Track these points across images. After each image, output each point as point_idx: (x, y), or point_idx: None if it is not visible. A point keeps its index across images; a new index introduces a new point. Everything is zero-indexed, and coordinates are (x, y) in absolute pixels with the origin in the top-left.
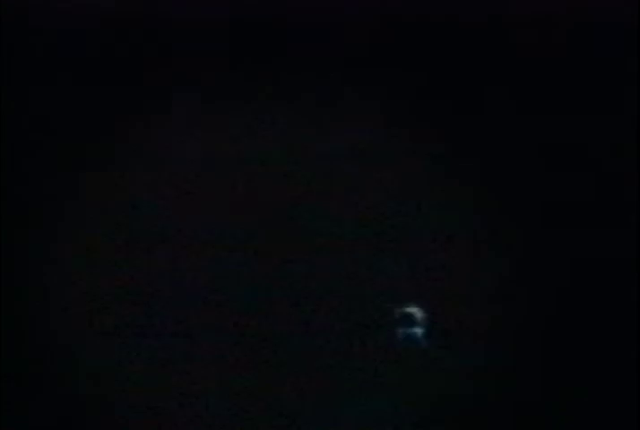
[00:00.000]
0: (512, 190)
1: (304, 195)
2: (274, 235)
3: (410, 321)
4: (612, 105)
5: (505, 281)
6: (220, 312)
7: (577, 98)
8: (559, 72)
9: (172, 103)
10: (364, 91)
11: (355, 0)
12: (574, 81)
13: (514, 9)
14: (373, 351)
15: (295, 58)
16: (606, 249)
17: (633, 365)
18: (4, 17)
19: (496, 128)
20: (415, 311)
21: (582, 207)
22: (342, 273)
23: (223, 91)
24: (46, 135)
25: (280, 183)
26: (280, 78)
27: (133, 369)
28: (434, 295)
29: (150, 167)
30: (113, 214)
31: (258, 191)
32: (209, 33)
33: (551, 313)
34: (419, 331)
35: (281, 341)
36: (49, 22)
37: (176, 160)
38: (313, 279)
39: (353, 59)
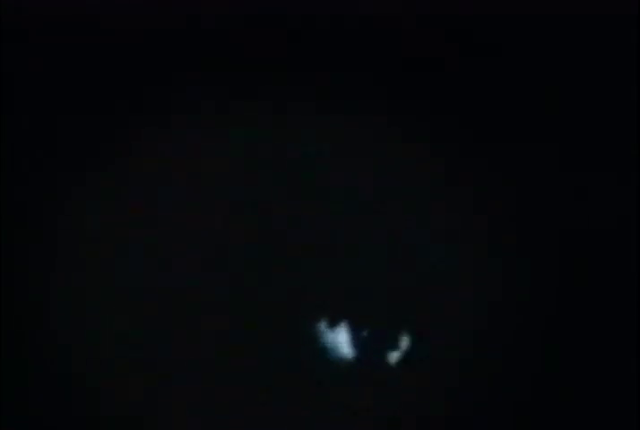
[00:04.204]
0: (510, 190)
1: (306, 199)
2: (274, 242)
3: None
4: (612, 105)
5: (502, 282)
6: (216, 316)
7: (576, 98)
8: (559, 72)
9: (173, 104)
10: (366, 93)
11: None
12: (573, 81)
13: (512, 9)
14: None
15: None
16: (607, 250)
17: (633, 364)
18: (4, 17)
19: (493, 129)
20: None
21: (581, 207)
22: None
23: (226, 95)
24: (45, 137)
25: (280, 187)
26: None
27: (132, 369)
28: (435, 297)
29: (151, 169)
30: (113, 215)
31: (259, 197)
32: (212, 35)
33: (550, 315)
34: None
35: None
36: (50, 22)
37: (178, 161)
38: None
39: (358, 59)
